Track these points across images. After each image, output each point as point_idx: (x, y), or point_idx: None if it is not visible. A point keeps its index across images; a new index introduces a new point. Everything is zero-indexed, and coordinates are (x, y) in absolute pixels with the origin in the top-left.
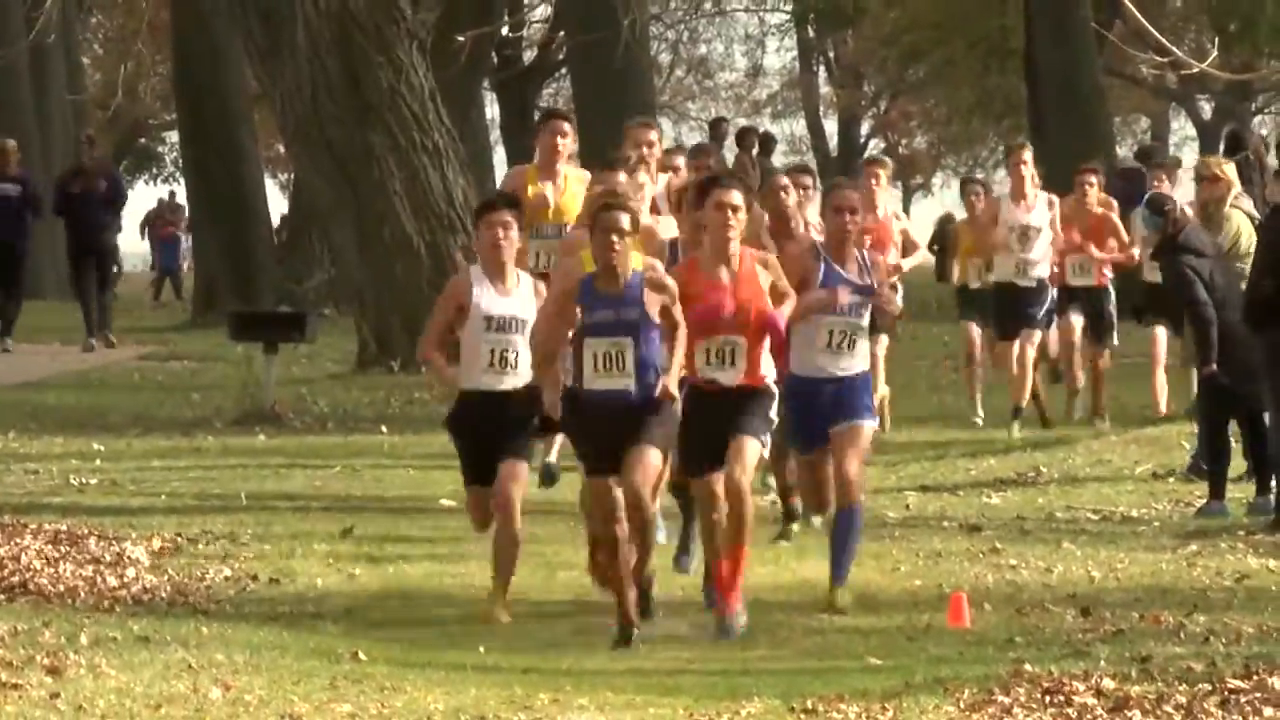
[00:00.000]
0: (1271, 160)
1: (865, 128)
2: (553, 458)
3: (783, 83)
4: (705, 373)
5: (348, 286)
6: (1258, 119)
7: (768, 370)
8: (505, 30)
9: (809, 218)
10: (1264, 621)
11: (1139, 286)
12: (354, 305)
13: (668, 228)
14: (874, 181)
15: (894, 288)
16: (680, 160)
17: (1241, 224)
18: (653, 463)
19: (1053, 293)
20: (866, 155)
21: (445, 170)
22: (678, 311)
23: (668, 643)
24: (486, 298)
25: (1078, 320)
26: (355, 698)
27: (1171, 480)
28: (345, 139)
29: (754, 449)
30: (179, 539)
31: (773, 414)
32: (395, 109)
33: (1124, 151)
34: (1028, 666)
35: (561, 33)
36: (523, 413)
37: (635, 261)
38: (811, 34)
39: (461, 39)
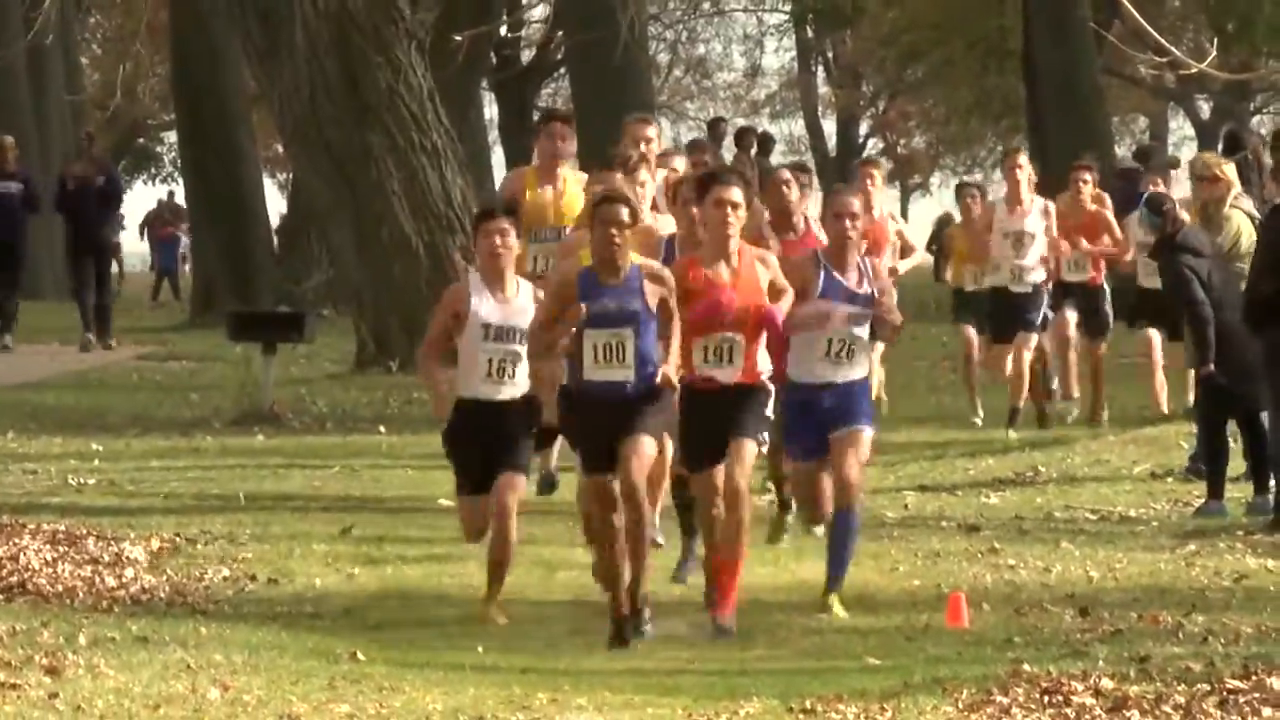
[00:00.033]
0: (1268, 160)
1: (864, 128)
2: (553, 464)
3: (781, 83)
4: (703, 370)
5: (346, 287)
6: (1256, 119)
7: (764, 366)
8: (504, 30)
9: (808, 213)
10: (1262, 621)
11: (1132, 290)
12: (352, 305)
13: (665, 224)
14: (869, 183)
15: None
16: (677, 161)
17: (1242, 224)
18: (648, 452)
19: (1048, 294)
20: (861, 157)
21: (444, 170)
22: (674, 304)
23: (666, 643)
24: (485, 306)
25: (1072, 315)
26: (354, 698)
27: (1170, 480)
28: (343, 139)
29: (752, 450)
30: (177, 539)
31: (769, 412)
32: (393, 109)
33: (1123, 151)
34: (1026, 666)
35: (560, 33)
36: (521, 423)
37: (634, 257)
38: (810, 34)
39: (460, 39)
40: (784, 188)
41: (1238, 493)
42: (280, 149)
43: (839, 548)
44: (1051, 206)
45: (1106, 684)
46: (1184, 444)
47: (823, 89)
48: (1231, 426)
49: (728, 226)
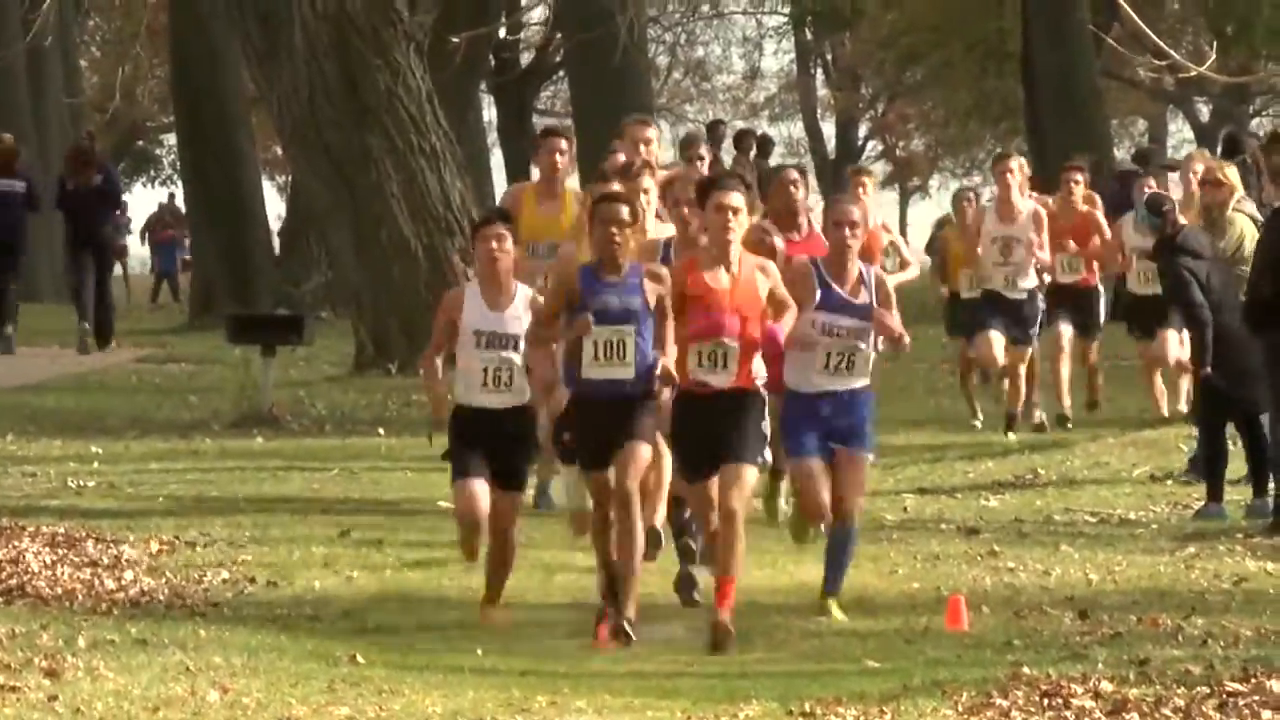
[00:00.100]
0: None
1: (863, 130)
2: (552, 491)
3: (780, 85)
4: (696, 375)
5: (345, 289)
6: (1255, 121)
7: (758, 371)
8: (502, 32)
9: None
10: (1262, 624)
11: (1126, 297)
12: (351, 308)
13: (663, 229)
14: (860, 191)
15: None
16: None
17: (1245, 228)
18: (643, 457)
19: (1042, 297)
20: (854, 164)
21: (443, 173)
22: (669, 304)
23: (666, 645)
24: (478, 313)
25: (1066, 329)
26: (353, 700)
27: (1169, 483)
28: (342, 141)
29: (750, 475)
30: (177, 542)
31: (764, 428)
32: (392, 111)
33: (1121, 154)
34: (1026, 669)
35: (559, 35)
36: (521, 433)
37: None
38: (809, 36)
39: (458, 41)
40: (791, 187)
41: (1237, 495)
42: (279, 151)
43: (835, 558)
44: (1044, 214)
45: (1106, 687)
46: (1183, 447)
47: (822, 91)
48: (1231, 429)
49: (729, 232)
